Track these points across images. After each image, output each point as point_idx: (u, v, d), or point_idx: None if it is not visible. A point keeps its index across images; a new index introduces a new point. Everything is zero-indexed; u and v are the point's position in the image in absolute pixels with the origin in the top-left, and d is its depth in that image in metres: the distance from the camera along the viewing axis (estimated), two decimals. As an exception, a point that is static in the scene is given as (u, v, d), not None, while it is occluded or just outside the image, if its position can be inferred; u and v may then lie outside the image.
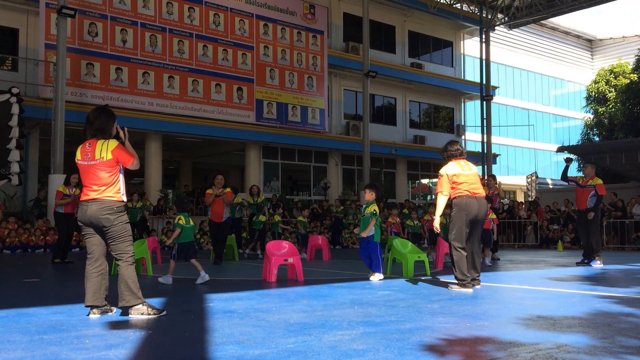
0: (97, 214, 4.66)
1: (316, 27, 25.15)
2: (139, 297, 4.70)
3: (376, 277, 7.59)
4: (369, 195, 7.95)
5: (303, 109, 24.47)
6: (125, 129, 5.02)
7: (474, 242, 6.80)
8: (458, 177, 6.75)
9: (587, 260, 10.53)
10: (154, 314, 4.68)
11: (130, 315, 4.65)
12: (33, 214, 16.74)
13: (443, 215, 7.92)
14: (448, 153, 7.02)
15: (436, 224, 6.90)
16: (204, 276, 7.31)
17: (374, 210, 7.74)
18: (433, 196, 30.21)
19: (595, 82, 38.30)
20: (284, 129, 23.73)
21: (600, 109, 37.10)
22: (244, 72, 22.88)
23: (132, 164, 4.82)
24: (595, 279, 8.09)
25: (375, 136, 25.95)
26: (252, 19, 23.28)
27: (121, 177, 4.82)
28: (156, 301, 5.57)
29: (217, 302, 5.52)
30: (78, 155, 4.81)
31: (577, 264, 10.65)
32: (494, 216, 11.08)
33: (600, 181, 10.49)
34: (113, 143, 4.76)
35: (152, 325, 4.33)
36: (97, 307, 4.70)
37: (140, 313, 4.65)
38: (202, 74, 21.74)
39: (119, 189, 4.77)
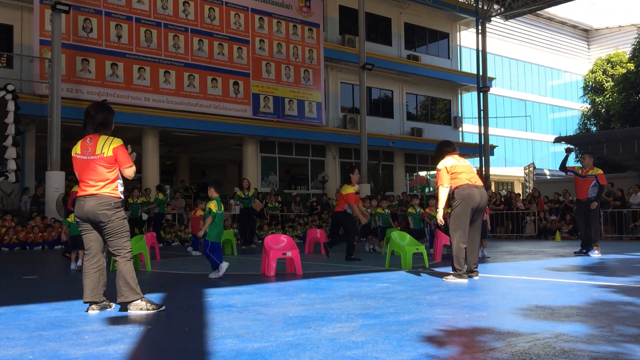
0: (95, 210, 4.64)
1: (312, 20, 25.08)
2: (137, 293, 4.70)
3: (213, 274, 7.39)
4: (210, 192, 7.81)
5: (300, 102, 24.43)
6: (134, 154, 4.95)
7: (473, 233, 6.83)
8: (456, 167, 6.85)
9: (585, 250, 10.56)
10: (153, 309, 4.68)
11: (129, 311, 4.65)
12: (31, 210, 16.71)
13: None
14: (442, 151, 7.13)
15: (439, 216, 6.99)
16: (73, 266, 8.90)
17: (209, 208, 7.55)
18: (431, 189, 30.26)
19: (592, 72, 38.29)
20: (281, 123, 23.69)
21: (597, 99, 37.11)
22: (240, 67, 22.82)
23: (129, 169, 4.77)
24: (594, 269, 8.11)
25: (373, 129, 25.91)
26: (248, 13, 23.20)
27: (120, 175, 4.81)
28: (155, 296, 5.57)
29: (216, 297, 5.53)
30: (77, 149, 4.77)
31: (575, 253, 10.69)
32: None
33: (600, 171, 10.50)
34: (117, 142, 4.74)
35: (151, 320, 4.33)
36: (95, 303, 4.70)
37: (139, 308, 4.65)
38: (198, 68, 21.68)
39: (117, 186, 4.76)
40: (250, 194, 13.70)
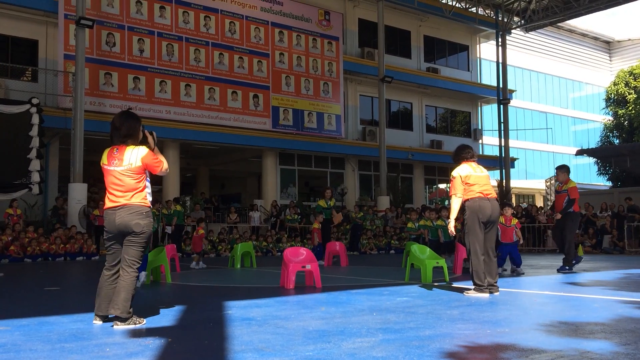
0: (127, 220, 4.60)
1: (331, 34, 25.20)
2: (130, 310, 4.60)
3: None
4: None
5: (319, 115, 24.50)
6: (154, 133, 4.95)
7: (488, 247, 6.73)
8: (470, 178, 6.73)
9: (567, 267, 10.32)
10: (139, 323, 4.60)
11: (116, 325, 4.54)
12: (52, 222, 16.92)
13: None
14: (459, 156, 7.02)
15: (451, 227, 6.88)
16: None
17: None
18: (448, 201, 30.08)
19: (615, 84, 37.87)
20: (300, 135, 23.78)
21: (619, 111, 36.67)
22: (260, 80, 22.98)
23: (161, 170, 4.79)
24: (618, 284, 7.97)
25: (392, 141, 25.88)
26: (268, 27, 23.39)
27: (147, 184, 4.79)
28: (175, 309, 5.60)
29: (236, 310, 5.52)
30: (104, 160, 4.75)
31: (558, 270, 10.41)
32: (516, 221, 10.43)
33: (573, 184, 10.35)
34: (143, 150, 4.73)
35: (172, 333, 4.35)
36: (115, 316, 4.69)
37: (128, 324, 4.54)
38: (218, 81, 21.88)
39: (146, 196, 4.74)
40: (332, 204, 13.28)
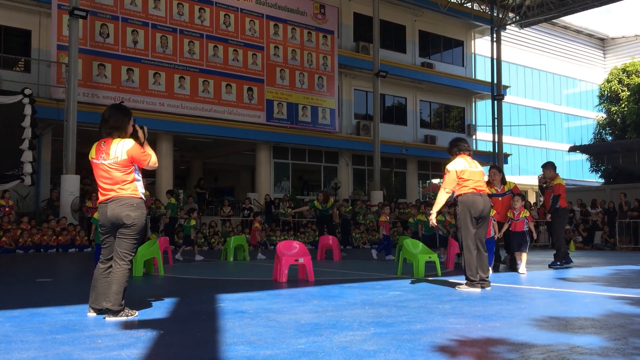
0: (117, 213, 4.59)
1: (326, 27, 25.14)
2: (121, 304, 4.60)
3: None
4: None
5: (313, 109, 24.47)
6: (145, 128, 4.93)
7: (479, 241, 6.75)
8: (464, 173, 6.74)
9: (559, 262, 10.38)
10: (132, 315, 4.61)
11: (108, 318, 4.54)
12: (46, 214, 16.85)
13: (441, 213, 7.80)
14: (455, 148, 7.02)
15: (432, 218, 6.92)
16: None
17: (93, 217, 8.50)
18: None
19: (608, 81, 37.98)
20: (295, 129, 23.74)
21: (612, 108, 36.80)
22: (254, 73, 22.91)
23: (149, 164, 4.76)
24: (609, 280, 8.03)
25: (386, 136, 25.89)
26: (263, 20, 23.31)
27: (137, 175, 4.76)
28: (167, 301, 5.60)
29: (228, 303, 5.53)
30: (92, 154, 4.74)
31: (549, 266, 10.45)
32: (527, 214, 9.78)
33: (559, 181, 10.39)
34: (129, 143, 4.69)
35: (164, 325, 4.34)
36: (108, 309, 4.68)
37: (120, 316, 4.54)
38: (212, 74, 21.80)
39: (137, 187, 4.71)
40: (328, 205, 13.90)
